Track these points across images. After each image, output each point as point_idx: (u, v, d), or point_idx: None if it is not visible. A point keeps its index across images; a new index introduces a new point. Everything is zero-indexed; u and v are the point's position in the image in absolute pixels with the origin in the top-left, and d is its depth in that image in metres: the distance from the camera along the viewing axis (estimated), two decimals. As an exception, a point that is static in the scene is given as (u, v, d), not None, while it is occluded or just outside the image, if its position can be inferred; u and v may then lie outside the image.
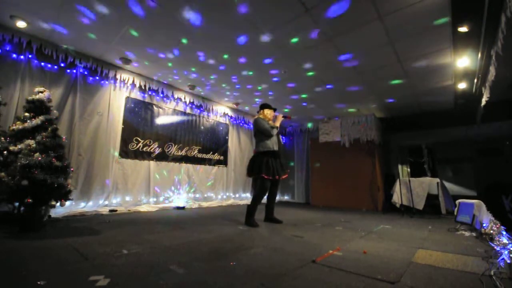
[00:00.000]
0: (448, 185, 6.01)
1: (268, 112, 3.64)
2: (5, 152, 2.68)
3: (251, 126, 7.27)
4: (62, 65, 3.87)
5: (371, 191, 5.88)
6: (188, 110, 5.70)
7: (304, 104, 5.98)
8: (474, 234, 2.97)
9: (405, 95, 5.22)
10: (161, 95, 5.16)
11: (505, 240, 2.24)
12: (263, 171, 3.30)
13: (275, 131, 3.48)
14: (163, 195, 4.98)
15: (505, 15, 2.29)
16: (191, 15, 3.02)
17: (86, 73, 4.13)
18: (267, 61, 4.05)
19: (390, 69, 4.16)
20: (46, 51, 3.66)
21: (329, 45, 3.53)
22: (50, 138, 2.69)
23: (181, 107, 5.56)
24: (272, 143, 3.43)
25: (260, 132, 3.48)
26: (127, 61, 4.16)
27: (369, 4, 2.73)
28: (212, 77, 4.75)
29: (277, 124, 3.59)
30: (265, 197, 3.72)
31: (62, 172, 2.65)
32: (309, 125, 7.70)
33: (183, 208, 4.84)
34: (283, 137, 8.39)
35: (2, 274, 1.43)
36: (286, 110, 6.46)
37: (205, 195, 5.78)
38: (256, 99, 5.89)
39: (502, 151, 6.15)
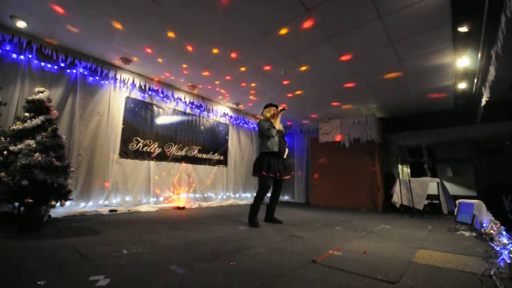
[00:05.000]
0: (448, 185, 6.02)
1: (266, 112, 3.64)
2: (5, 152, 2.68)
3: (251, 126, 7.30)
4: (62, 65, 3.87)
5: (371, 191, 5.88)
6: (188, 110, 5.70)
7: (304, 104, 5.98)
8: (474, 234, 2.97)
9: (405, 95, 5.22)
10: (161, 95, 5.16)
11: (505, 240, 2.24)
12: (264, 169, 3.33)
13: (273, 131, 3.47)
14: (163, 195, 4.98)
15: (505, 15, 2.28)
16: (190, 17, 3.03)
17: (86, 73, 4.13)
18: (266, 61, 4.05)
19: (390, 69, 4.16)
20: (46, 51, 3.66)
21: (328, 45, 3.53)
22: (50, 138, 2.69)
23: (181, 107, 5.56)
24: (273, 144, 3.44)
25: (261, 134, 3.53)
26: (127, 61, 4.16)
27: (369, 4, 2.73)
28: (211, 77, 4.75)
29: (276, 121, 3.58)
30: (267, 196, 3.73)
31: (62, 172, 2.65)
32: (310, 124, 7.65)
33: (183, 208, 4.84)
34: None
35: (2, 274, 1.43)
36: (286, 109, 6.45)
37: (205, 195, 5.78)
38: (256, 99, 5.89)
39: (502, 151, 6.16)
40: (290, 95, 5.45)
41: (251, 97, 5.76)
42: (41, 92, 2.90)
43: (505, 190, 3.87)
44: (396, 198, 5.19)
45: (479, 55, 3.52)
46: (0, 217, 2.77)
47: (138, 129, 4.76)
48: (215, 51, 3.81)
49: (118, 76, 4.44)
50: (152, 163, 4.88)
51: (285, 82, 4.84)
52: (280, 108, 3.66)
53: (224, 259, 1.80)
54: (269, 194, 3.62)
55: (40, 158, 2.49)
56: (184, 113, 5.60)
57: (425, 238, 2.75)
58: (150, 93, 4.99)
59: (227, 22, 3.14)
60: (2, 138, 2.76)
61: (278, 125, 3.60)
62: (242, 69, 4.36)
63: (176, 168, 5.29)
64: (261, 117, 3.72)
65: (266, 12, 2.93)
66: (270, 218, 3.55)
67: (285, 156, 3.62)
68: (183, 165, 5.44)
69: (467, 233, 3.03)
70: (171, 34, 3.42)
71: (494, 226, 2.59)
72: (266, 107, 3.70)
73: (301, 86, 4.98)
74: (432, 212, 5.13)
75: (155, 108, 5.06)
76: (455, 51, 3.55)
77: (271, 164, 3.38)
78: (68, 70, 3.95)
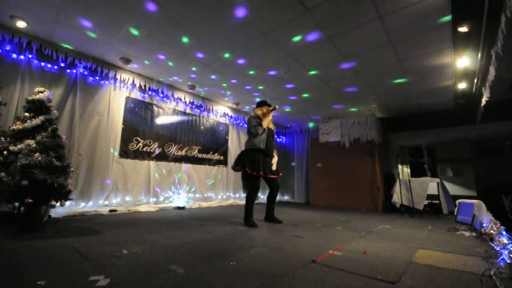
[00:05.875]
0: (448, 185, 6.01)
1: (258, 110, 3.57)
2: (5, 152, 2.69)
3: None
4: (62, 65, 3.86)
5: (371, 191, 5.88)
6: (188, 110, 5.70)
7: (304, 104, 5.98)
8: (474, 234, 2.97)
9: (405, 95, 5.22)
10: (161, 95, 5.16)
11: (505, 240, 2.24)
12: (247, 165, 3.25)
13: (260, 129, 3.39)
14: (163, 195, 4.98)
15: (505, 15, 2.28)
16: (190, 17, 3.02)
17: (86, 73, 4.13)
18: (267, 60, 4.05)
19: (390, 69, 4.16)
20: (46, 51, 3.66)
21: (329, 45, 3.53)
22: (50, 138, 2.69)
23: (181, 107, 5.56)
24: (259, 141, 3.37)
25: (248, 130, 3.49)
26: (127, 61, 4.16)
27: (369, 4, 2.73)
28: (212, 77, 4.75)
29: (265, 119, 3.46)
30: (265, 197, 3.72)
31: (62, 172, 2.65)
32: (311, 124, 7.72)
33: (183, 208, 4.84)
34: (284, 137, 8.38)
35: (2, 274, 1.43)
36: (287, 110, 6.49)
37: (205, 195, 5.78)
38: (256, 99, 5.88)
39: (502, 151, 6.14)
40: (291, 95, 5.45)
41: (253, 97, 5.76)
42: (41, 92, 2.91)
43: (505, 190, 3.86)
44: (396, 198, 5.19)
45: (479, 55, 3.52)
46: (0, 217, 2.77)
47: (138, 129, 4.76)
48: (216, 51, 3.82)
49: (118, 76, 4.44)
50: (152, 163, 4.88)
51: (286, 83, 4.84)
52: (270, 109, 3.53)
53: (224, 259, 1.80)
54: (265, 195, 3.59)
55: (40, 158, 2.49)
56: (184, 113, 5.60)
57: (425, 238, 2.75)
58: (150, 93, 4.98)
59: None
60: (2, 138, 2.76)
61: (267, 123, 3.48)
62: (243, 69, 4.36)
63: (176, 168, 5.29)
64: (253, 114, 3.64)
65: (266, 12, 2.93)
66: (270, 218, 3.55)
67: (275, 158, 3.58)
68: (183, 165, 5.44)
69: (467, 233, 3.03)
70: (172, 34, 3.42)
71: (494, 226, 2.58)
72: (258, 104, 3.63)
73: (301, 86, 4.98)
74: (432, 212, 5.13)
75: (155, 108, 5.06)
76: (455, 51, 3.55)
77: (256, 161, 3.27)
78: (68, 70, 3.95)
